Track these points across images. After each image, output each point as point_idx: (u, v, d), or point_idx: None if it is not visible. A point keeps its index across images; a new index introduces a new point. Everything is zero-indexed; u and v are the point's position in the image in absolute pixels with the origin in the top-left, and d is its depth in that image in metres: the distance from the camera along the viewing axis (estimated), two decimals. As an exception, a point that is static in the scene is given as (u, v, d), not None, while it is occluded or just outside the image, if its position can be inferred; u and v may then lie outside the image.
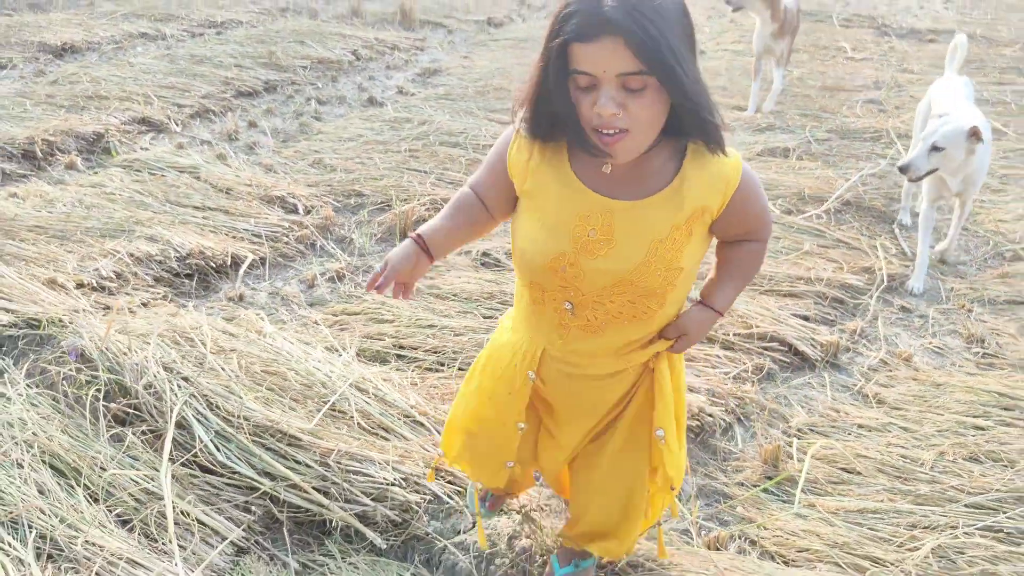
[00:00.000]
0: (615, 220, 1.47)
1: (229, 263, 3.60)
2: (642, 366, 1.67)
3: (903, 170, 3.40)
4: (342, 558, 2.14)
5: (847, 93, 6.50)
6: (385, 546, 2.15)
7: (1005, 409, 2.89)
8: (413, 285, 1.66)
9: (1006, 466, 2.61)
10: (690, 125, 1.42)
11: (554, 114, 1.43)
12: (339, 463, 2.23)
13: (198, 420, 2.42)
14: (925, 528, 2.37)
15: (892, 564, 2.24)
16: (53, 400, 2.56)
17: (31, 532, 2.12)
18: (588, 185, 1.49)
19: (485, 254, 3.76)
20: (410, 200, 4.16)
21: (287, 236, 3.85)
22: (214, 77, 6.07)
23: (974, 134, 3.30)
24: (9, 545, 2.08)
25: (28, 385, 2.62)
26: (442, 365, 2.89)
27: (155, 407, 2.46)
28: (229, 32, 7.57)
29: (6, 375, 2.71)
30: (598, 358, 1.61)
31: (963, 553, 2.27)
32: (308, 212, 4.09)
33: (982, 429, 2.80)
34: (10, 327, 2.89)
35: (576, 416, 1.74)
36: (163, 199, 4.08)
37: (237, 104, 5.75)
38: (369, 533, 2.16)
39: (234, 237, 3.79)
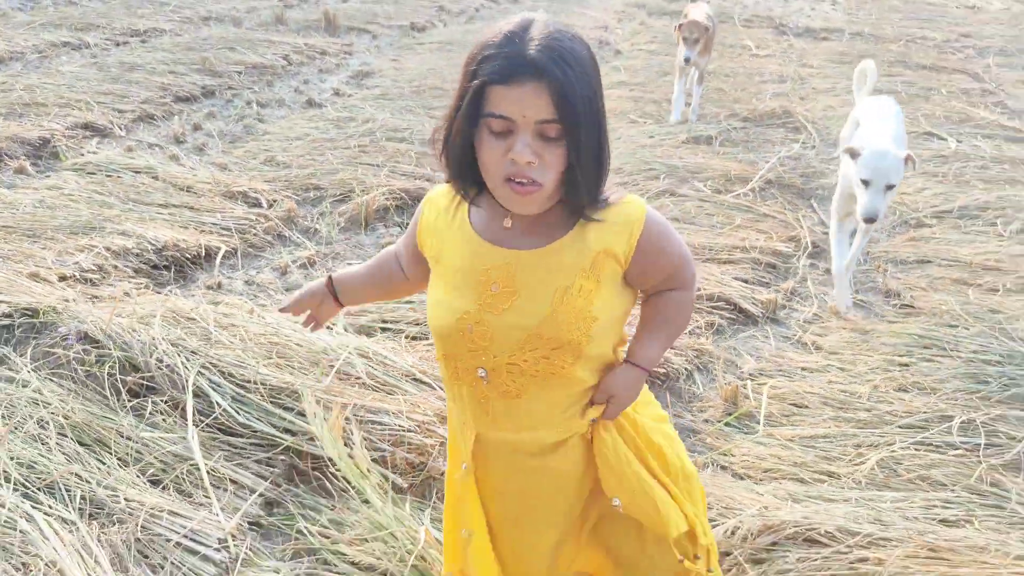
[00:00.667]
0: (517, 271, 1.42)
1: (203, 254, 3.73)
2: (583, 439, 1.55)
3: (870, 221, 3.18)
4: (366, 499, 2.35)
5: (756, 86, 7.00)
6: (406, 485, 2.38)
7: (924, 348, 3.31)
8: (322, 323, 1.77)
9: (929, 393, 3.00)
10: (581, 184, 1.36)
11: (463, 154, 1.37)
12: (355, 415, 2.44)
13: (213, 388, 2.58)
14: (868, 446, 2.73)
15: (845, 476, 2.59)
16: (65, 379, 2.67)
17: (69, 495, 2.26)
18: (488, 240, 1.44)
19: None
20: (368, 191, 4.36)
21: (254, 228, 4.00)
22: (149, 83, 6.11)
23: (909, 160, 3.20)
24: (51, 508, 2.21)
25: (35, 368, 2.73)
26: (427, 335, 3.12)
27: (170, 379, 2.62)
28: (154, 40, 7.57)
29: (9, 361, 2.80)
30: (531, 429, 1.50)
31: (901, 463, 2.64)
32: (271, 205, 4.25)
33: (906, 365, 3.19)
34: (4, 317, 2.98)
35: (528, 507, 1.58)
36: (125, 198, 4.17)
37: (178, 108, 5.82)
38: (390, 475, 2.37)
39: (203, 231, 3.92)
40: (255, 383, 2.57)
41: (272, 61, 7.02)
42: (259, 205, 4.24)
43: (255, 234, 3.97)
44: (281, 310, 1.77)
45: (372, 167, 4.74)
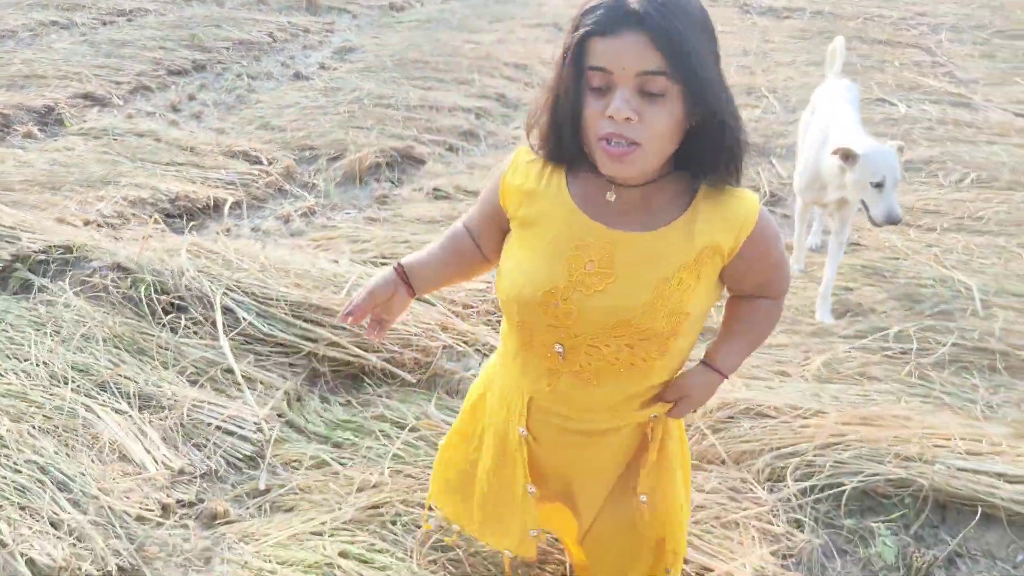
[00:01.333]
0: (616, 252, 1.33)
1: (212, 205, 4.04)
2: (638, 427, 1.52)
3: (895, 222, 3.05)
4: (379, 394, 2.70)
5: (727, 55, 7.38)
6: (414, 381, 2.73)
7: (867, 276, 3.71)
8: (390, 322, 1.60)
9: (868, 312, 3.40)
10: (708, 151, 1.30)
11: (563, 125, 1.32)
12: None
13: (238, 305, 2.92)
14: (815, 352, 3.12)
15: (797, 375, 2.97)
16: (103, 302, 2.99)
17: (120, 391, 2.59)
18: (588, 213, 1.36)
19: (436, 189, 4.34)
20: (360, 150, 4.69)
21: (256, 182, 4.32)
22: (142, 58, 6.37)
23: (900, 149, 3.14)
24: (106, 401, 2.54)
25: (75, 293, 3.04)
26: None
27: (199, 298, 2.94)
28: (140, 19, 7.80)
29: (48, 290, 3.11)
30: (591, 412, 1.47)
31: (842, 364, 3.03)
32: (271, 163, 4.56)
33: (850, 290, 3.59)
34: (40, 253, 3.28)
35: (576, 478, 1.58)
36: (133, 157, 4.47)
37: (172, 81, 6.09)
38: (400, 372, 2.72)
39: (209, 185, 4.23)
40: (276, 299, 2.90)
41: (258, 38, 7.29)
42: (259, 162, 4.55)
43: (257, 188, 4.29)
44: (346, 313, 1.55)
45: (362, 130, 5.06)
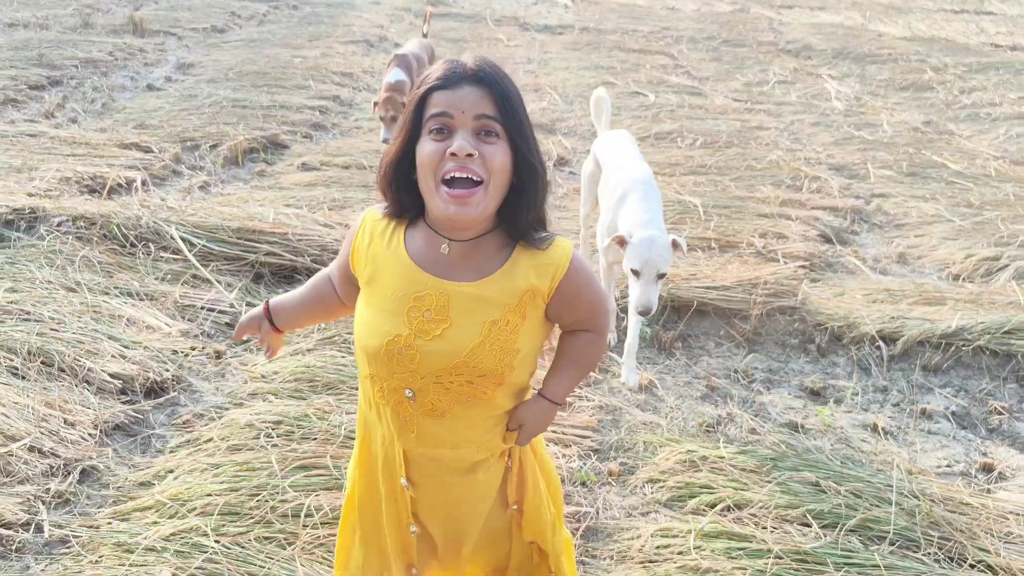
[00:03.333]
0: (450, 301, 1.51)
1: (125, 183, 4.95)
2: (501, 457, 1.68)
3: (645, 313, 3.14)
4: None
5: (510, 67, 8.93)
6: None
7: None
8: (276, 348, 1.83)
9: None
10: (522, 205, 1.51)
11: (405, 176, 1.51)
12: (297, 236, 3.94)
13: (192, 235, 3.96)
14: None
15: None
16: (82, 241, 3.92)
17: (121, 292, 3.58)
18: (423, 267, 1.53)
19: (304, 163, 5.48)
20: (234, 138, 5.73)
21: (154, 165, 5.25)
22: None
23: (676, 246, 3.16)
24: (114, 299, 3.53)
25: (50, 239, 3.94)
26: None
27: (158, 234, 3.96)
28: (-29, 43, 8.24)
29: (24, 240, 3.98)
30: (452, 448, 1.61)
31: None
32: (160, 151, 5.49)
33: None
34: (8, 214, 4.12)
35: (460, 514, 1.69)
36: (39, 150, 5.26)
37: (34, 95, 6.77)
38: (320, 267, 3.89)
39: (113, 168, 5.12)
40: (219, 228, 3.98)
41: (100, 56, 8.00)
42: (150, 151, 5.48)
43: (155, 170, 5.22)
44: (233, 339, 2.18)
45: (229, 124, 6.08)
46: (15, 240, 4.00)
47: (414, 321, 1.51)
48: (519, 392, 1.64)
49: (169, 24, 9.83)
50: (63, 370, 3.02)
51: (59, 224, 4.07)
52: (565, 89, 8.07)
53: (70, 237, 3.88)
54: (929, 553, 2.46)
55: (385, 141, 5.12)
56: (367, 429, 1.67)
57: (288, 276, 3.91)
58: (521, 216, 1.52)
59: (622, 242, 3.17)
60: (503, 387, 1.56)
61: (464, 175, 1.43)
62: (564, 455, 2.85)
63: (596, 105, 4.27)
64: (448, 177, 1.43)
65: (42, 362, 3.03)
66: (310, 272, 3.91)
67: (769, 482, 2.70)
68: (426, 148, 1.45)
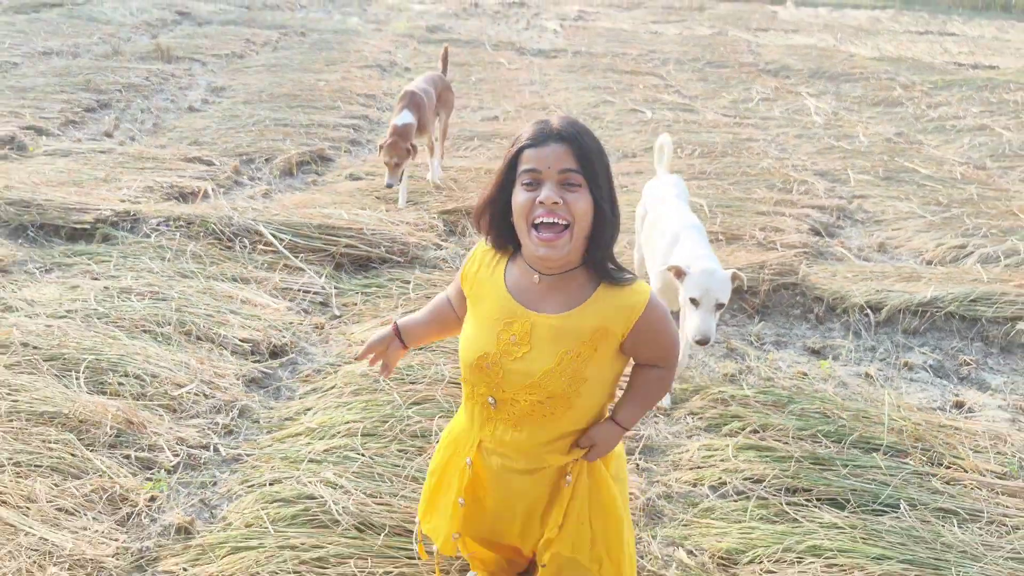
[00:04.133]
0: (534, 330, 1.75)
1: (199, 192, 5.57)
2: (558, 470, 1.89)
3: (703, 343, 3.10)
4: (384, 271, 4.50)
5: (516, 87, 9.65)
6: (401, 260, 4.55)
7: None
8: (391, 366, 2.09)
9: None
10: (602, 243, 1.74)
11: (502, 218, 1.77)
12: (371, 231, 4.60)
13: (279, 231, 4.60)
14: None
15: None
16: (183, 237, 4.54)
17: (225, 277, 4.20)
18: (516, 297, 1.78)
19: (351, 174, 6.13)
20: (286, 153, 6.37)
21: (218, 176, 5.88)
22: (51, 99, 7.57)
23: (735, 278, 3.19)
24: (221, 283, 4.15)
25: (156, 235, 4.56)
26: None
27: (248, 231, 4.59)
28: (14, 71, 8.82)
29: (128, 239, 4.59)
30: (521, 451, 1.85)
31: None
32: (221, 164, 6.12)
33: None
34: (112, 217, 4.74)
35: (504, 508, 1.94)
36: (114, 165, 5.87)
37: (88, 116, 7.37)
38: (394, 257, 4.55)
39: (187, 178, 5.73)
40: (303, 225, 4.62)
41: (139, 81, 8.61)
42: (212, 164, 6.11)
43: (220, 180, 5.85)
44: (356, 358, 2.19)
45: (277, 140, 6.72)
46: (123, 238, 4.62)
47: (502, 343, 1.76)
48: (593, 417, 1.85)
49: (192, 51, 10.46)
50: (200, 337, 3.65)
51: (159, 224, 4.69)
52: (568, 107, 8.79)
53: (177, 234, 4.50)
54: (914, 458, 3.14)
55: (389, 186, 5.04)
56: (461, 416, 1.99)
57: (364, 265, 4.55)
58: (597, 253, 1.74)
59: (679, 273, 3.18)
60: (571, 411, 1.78)
61: (552, 220, 1.67)
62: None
63: (659, 149, 4.39)
64: (538, 222, 1.69)
65: (183, 331, 3.65)
66: (384, 261, 4.56)
67: (786, 412, 3.38)
68: (519, 198, 1.71)
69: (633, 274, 1.79)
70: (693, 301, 3.14)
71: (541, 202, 1.66)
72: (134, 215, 4.79)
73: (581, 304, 1.74)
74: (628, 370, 1.94)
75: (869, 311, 4.35)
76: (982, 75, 11.85)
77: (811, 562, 2.57)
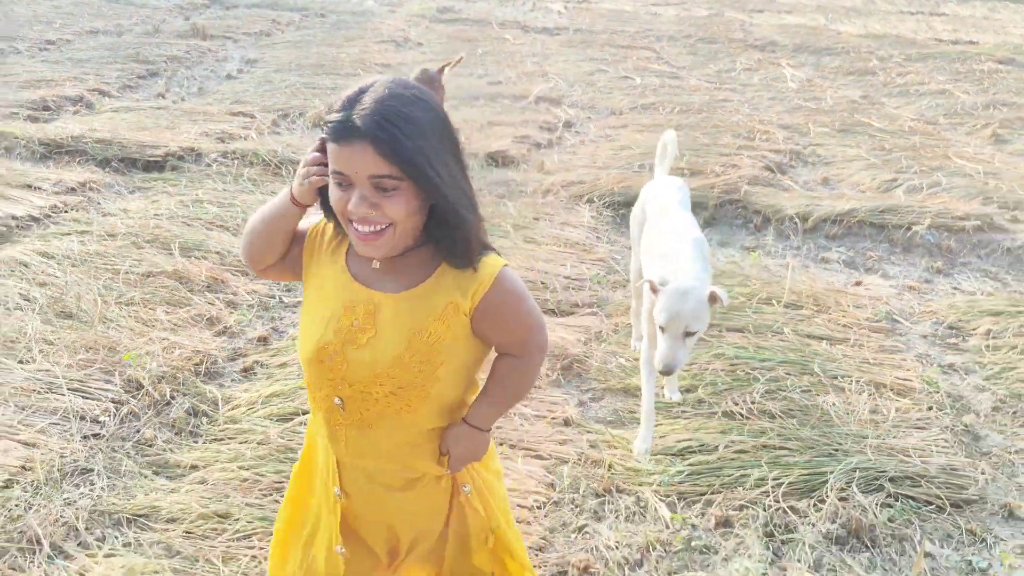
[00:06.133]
0: (378, 311, 1.57)
1: (244, 136, 6.59)
2: (437, 482, 1.71)
3: (665, 373, 2.88)
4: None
5: (518, 60, 10.64)
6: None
7: (624, 148, 6.91)
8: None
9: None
10: (447, 230, 1.51)
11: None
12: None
13: (315, 161, 5.62)
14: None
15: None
16: (239, 166, 5.56)
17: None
18: (357, 278, 1.59)
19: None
20: (317, 107, 7.39)
21: (261, 126, 6.89)
22: (107, 68, 8.62)
23: (713, 299, 2.85)
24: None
25: (215, 166, 5.58)
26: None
27: (293, 161, 5.60)
28: (68, 46, 9.88)
29: (193, 169, 5.61)
30: (383, 460, 1.66)
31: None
32: (262, 118, 7.14)
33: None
34: (178, 151, 5.76)
35: (399, 527, 1.75)
36: (170, 118, 6.90)
37: (142, 82, 8.42)
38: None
39: (235, 127, 6.75)
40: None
41: (180, 54, 9.66)
42: (254, 117, 7.13)
43: (262, 130, 6.87)
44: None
45: (309, 99, 7.74)
46: (188, 168, 5.65)
47: (343, 329, 1.58)
48: (449, 411, 1.67)
49: (224, 30, 11.50)
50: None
51: (218, 157, 5.72)
52: (566, 75, 9.76)
53: (235, 162, 5.53)
54: (807, 308, 4.12)
55: None
56: (310, 439, 1.77)
57: (386, 187, 5.55)
58: (445, 241, 1.53)
59: (654, 289, 2.90)
60: (428, 401, 1.60)
61: (367, 228, 1.46)
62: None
63: (662, 147, 3.96)
64: (353, 218, 1.47)
65: (246, 227, 4.67)
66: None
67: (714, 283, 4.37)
68: (333, 194, 1.49)
69: (486, 250, 1.59)
70: (660, 327, 2.86)
71: (350, 211, 1.46)
72: (196, 151, 5.82)
73: (427, 279, 1.58)
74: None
75: (797, 220, 5.32)
76: (958, 49, 12.71)
77: (716, 363, 3.57)
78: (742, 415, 3.23)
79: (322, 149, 1.53)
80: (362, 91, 1.47)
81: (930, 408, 3.35)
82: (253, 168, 5.55)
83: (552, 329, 3.84)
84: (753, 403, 3.30)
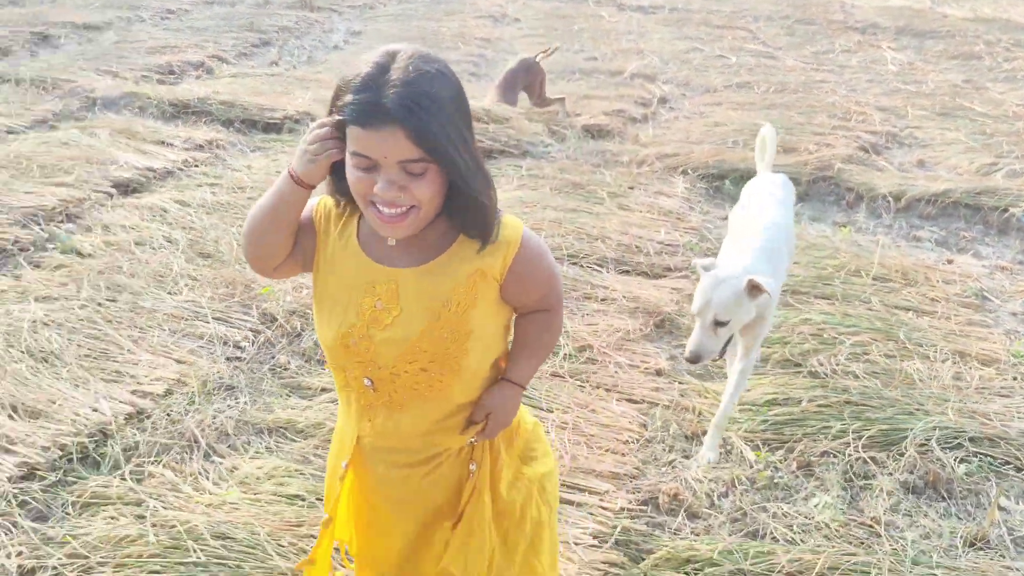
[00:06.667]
0: (400, 288, 1.52)
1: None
2: (457, 455, 1.67)
3: (691, 361, 2.80)
4: (502, 160, 5.76)
5: (614, 36, 10.76)
6: (516, 153, 5.82)
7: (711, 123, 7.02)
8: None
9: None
10: (464, 201, 1.46)
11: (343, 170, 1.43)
12: (491, 131, 5.87)
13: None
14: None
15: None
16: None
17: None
18: (372, 256, 1.54)
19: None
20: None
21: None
22: (225, 36, 9.11)
23: (754, 287, 2.67)
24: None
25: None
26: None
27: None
28: (188, 15, 10.44)
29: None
30: (408, 439, 1.63)
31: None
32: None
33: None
34: (292, 114, 6.14)
35: (399, 512, 1.70)
36: (284, 84, 7.31)
37: (255, 50, 8.89)
38: (511, 150, 5.81)
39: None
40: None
41: (290, 24, 10.12)
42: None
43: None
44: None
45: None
46: (303, 131, 5.98)
47: (366, 311, 1.53)
48: (480, 381, 1.63)
49: (330, 2, 11.93)
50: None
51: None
52: (661, 53, 9.86)
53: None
54: (895, 281, 4.23)
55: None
56: (341, 416, 1.74)
57: (486, 155, 5.82)
58: (459, 215, 1.50)
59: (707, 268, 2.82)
60: (460, 374, 1.57)
61: (393, 210, 1.42)
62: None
63: (761, 143, 3.84)
64: (377, 203, 1.42)
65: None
66: (501, 152, 5.82)
67: (803, 252, 4.50)
68: (352, 175, 1.43)
69: (498, 217, 1.55)
70: (693, 313, 2.80)
71: (378, 194, 1.41)
72: (310, 115, 6.20)
73: (447, 249, 1.54)
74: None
75: (890, 199, 5.38)
76: (1073, 34, 12.26)
77: (803, 327, 3.73)
78: (826, 374, 3.40)
79: (335, 126, 1.46)
80: (383, 68, 1.40)
81: (1015, 378, 3.46)
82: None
83: (645, 289, 4.06)
84: (837, 365, 3.46)
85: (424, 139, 1.36)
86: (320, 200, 1.60)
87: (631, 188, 5.32)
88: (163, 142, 5.63)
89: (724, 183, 5.58)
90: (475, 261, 1.52)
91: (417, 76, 1.39)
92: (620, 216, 4.86)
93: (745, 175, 5.49)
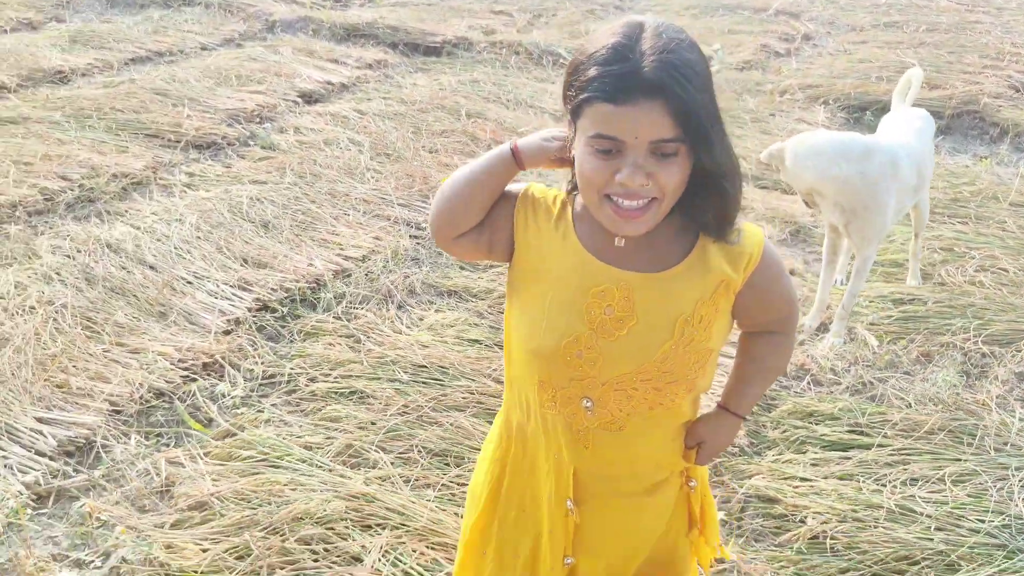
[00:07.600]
0: (635, 295, 1.33)
1: (492, 30, 7.38)
2: (681, 476, 1.53)
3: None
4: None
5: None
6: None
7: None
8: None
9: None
10: (706, 194, 1.29)
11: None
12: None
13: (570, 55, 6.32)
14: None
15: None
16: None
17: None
18: (598, 256, 1.34)
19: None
20: (568, 10, 8.04)
21: (518, 24, 7.64)
22: None
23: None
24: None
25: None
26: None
27: (550, 53, 6.31)
28: None
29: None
30: (633, 464, 1.45)
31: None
32: (518, 17, 7.90)
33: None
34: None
35: (623, 548, 1.54)
36: (441, 12, 7.79)
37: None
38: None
39: (494, 24, 7.55)
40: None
41: None
42: (511, 16, 7.89)
43: (520, 27, 7.61)
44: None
45: (561, 1, 8.42)
46: (461, 54, 6.51)
47: (595, 319, 1.34)
48: (698, 399, 1.50)
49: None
50: (530, 105, 5.42)
51: (486, 47, 6.52)
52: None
53: (504, 51, 6.32)
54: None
55: None
56: (522, 445, 1.49)
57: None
58: (699, 212, 1.32)
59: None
60: (691, 395, 1.43)
61: (634, 203, 1.24)
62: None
63: (905, 82, 3.73)
64: (614, 197, 1.25)
65: (517, 102, 5.44)
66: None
67: (939, 177, 4.66)
68: (587, 164, 1.25)
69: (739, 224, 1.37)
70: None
71: (622, 183, 1.23)
72: (467, 40, 6.67)
73: (687, 256, 1.35)
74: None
75: (1038, 135, 5.41)
76: None
77: (935, 241, 3.95)
78: (954, 283, 3.64)
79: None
80: (634, 38, 1.20)
81: None
82: (519, 56, 6.31)
83: (782, 202, 4.35)
84: (965, 275, 3.68)
85: (685, 114, 1.18)
86: (528, 186, 1.42)
87: (772, 115, 5.55)
88: (337, 60, 6.22)
89: (865, 115, 5.72)
90: (720, 270, 1.34)
91: (676, 45, 1.20)
92: (760, 139, 5.11)
93: (887, 108, 5.63)
